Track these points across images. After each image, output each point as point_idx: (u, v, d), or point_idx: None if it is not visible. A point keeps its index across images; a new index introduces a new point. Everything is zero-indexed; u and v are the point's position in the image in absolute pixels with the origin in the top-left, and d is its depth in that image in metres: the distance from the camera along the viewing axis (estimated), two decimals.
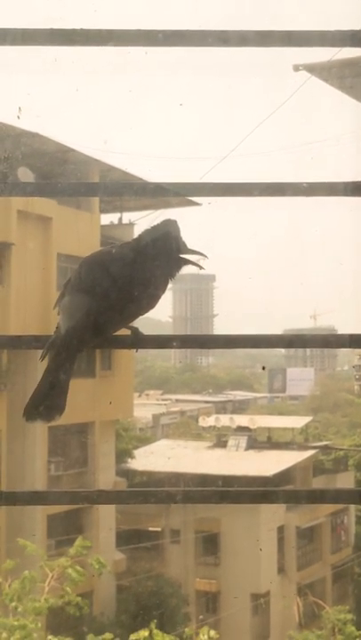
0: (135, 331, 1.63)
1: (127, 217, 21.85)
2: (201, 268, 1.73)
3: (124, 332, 1.64)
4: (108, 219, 22.05)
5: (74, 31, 1.53)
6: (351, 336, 1.51)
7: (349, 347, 1.50)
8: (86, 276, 1.61)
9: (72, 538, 13.87)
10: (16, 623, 10.92)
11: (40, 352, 1.58)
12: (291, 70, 11.99)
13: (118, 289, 1.58)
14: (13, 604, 11.62)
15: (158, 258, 1.64)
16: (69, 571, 12.55)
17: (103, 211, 21.00)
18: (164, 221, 1.69)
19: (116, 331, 1.62)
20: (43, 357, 1.57)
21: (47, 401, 1.52)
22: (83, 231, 18.55)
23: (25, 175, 13.83)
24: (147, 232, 1.68)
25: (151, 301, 1.64)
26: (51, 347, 1.55)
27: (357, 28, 1.61)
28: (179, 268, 1.68)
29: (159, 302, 1.67)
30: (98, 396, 19.37)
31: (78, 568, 12.74)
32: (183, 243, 1.67)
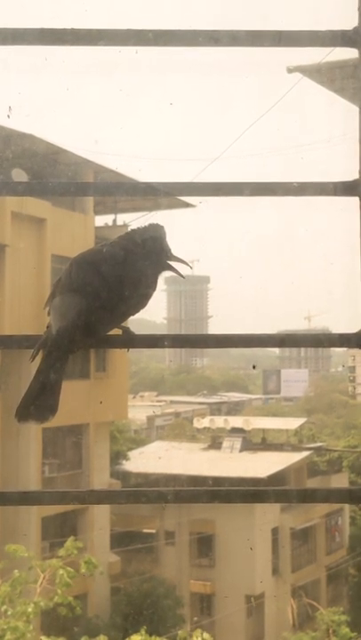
0: (126, 330, 1.63)
1: (121, 218, 21.87)
2: (182, 276, 1.73)
3: (116, 332, 1.64)
4: (102, 220, 22.07)
5: (64, 31, 1.53)
6: (341, 335, 1.51)
7: (339, 346, 1.51)
8: (77, 275, 1.60)
9: (67, 540, 13.84)
10: (6, 627, 10.89)
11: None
12: (282, 71, 12.04)
13: (109, 288, 1.58)
14: (4, 607, 11.58)
15: (148, 257, 1.65)
16: (60, 572, 12.51)
17: (97, 212, 21.01)
18: (151, 225, 1.69)
19: (108, 331, 1.62)
20: (33, 358, 1.56)
21: (39, 401, 1.52)
22: (77, 233, 18.55)
23: (19, 177, 13.84)
24: (135, 232, 1.68)
25: (142, 301, 1.64)
26: (41, 347, 1.55)
27: (348, 28, 1.61)
28: (162, 271, 1.69)
29: (154, 304, 1.67)
30: (92, 397, 19.36)
31: (69, 569, 12.71)
32: (169, 249, 1.68)
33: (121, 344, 1.62)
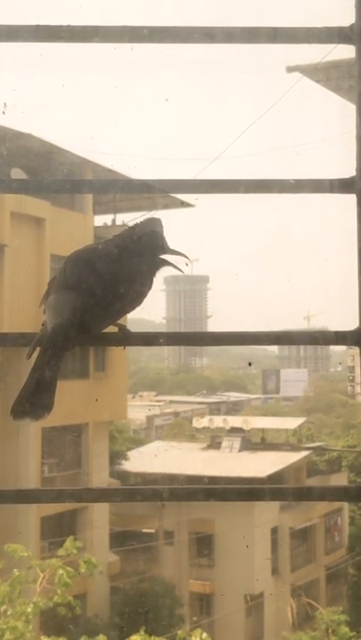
0: (122, 328, 1.63)
1: (120, 218, 21.86)
2: (181, 271, 1.72)
3: (112, 329, 1.63)
4: (101, 220, 22.07)
5: (59, 27, 1.53)
6: (337, 333, 1.51)
7: (336, 344, 1.50)
8: (71, 272, 1.60)
9: (66, 540, 13.84)
10: (5, 627, 10.89)
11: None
12: (279, 70, 12.07)
13: (104, 286, 1.58)
14: (4, 607, 11.58)
15: (143, 254, 1.64)
16: (60, 571, 12.51)
17: (97, 212, 21.00)
18: (148, 219, 1.69)
19: (103, 328, 1.62)
20: (29, 356, 1.56)
21: (34, 399, 1.51)
22: (76, 232, 18.54)
23: (18, 176, 13.84)
24: (131, 229, 1.68)
25: (137, 298, 1.64)
26: (37, 344, 1.54)
27: (345, 25, 1.60)
28: (158, 268, 1.68)
29: (153, 303, 1.67)
30: (91, 397, 19.37)
31: (69, 569, 12.71)
32: (165, 243, 1.67)
33: (116, 342, 1.62)
